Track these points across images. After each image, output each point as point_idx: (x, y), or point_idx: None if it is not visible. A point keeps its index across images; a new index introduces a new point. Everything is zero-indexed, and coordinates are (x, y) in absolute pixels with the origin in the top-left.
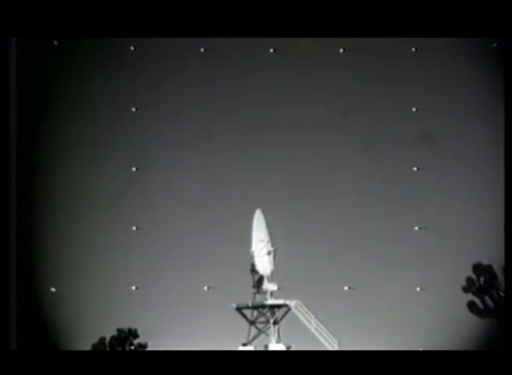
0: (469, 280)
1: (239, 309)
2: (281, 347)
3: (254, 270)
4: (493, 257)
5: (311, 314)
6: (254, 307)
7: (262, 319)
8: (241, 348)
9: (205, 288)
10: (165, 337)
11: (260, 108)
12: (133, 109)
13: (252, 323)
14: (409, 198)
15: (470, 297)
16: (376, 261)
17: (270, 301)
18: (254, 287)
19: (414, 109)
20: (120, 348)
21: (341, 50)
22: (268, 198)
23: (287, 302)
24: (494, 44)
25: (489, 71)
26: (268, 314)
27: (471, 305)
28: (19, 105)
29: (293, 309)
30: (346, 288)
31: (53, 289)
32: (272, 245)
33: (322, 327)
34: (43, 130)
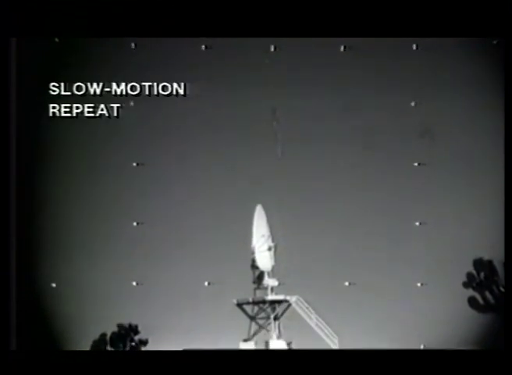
0: (469, 275)
1: (239, 305)
2: (281, 343)
3: (254, 266)
4: (494, 252)
5: (311, 310)
6: (255, 303)
7: (263, 314)
8: (242, 344)
9: (206, 284)
10: (165, 332)
11: (259, 108)
12: (132, 104)
13: (253, 318)
14: (409, 194)
15: (470, 292)
16: (377, 256)
17: (270, 297)
18: (254, 282)
19: (412, 104)
20: (121, 344)
21: (341, 48)
22: (268, 194)
23: (288, 298)
24: (495, 41)
25: (489, 70)
26: (269, 310)
27: (472, 301)
28: (19, 105)
29: (294, 305)
30: (346, 284)
31: (53, 285)
32: (273, 241)
33: (323, 323)
34: (43, 130)
